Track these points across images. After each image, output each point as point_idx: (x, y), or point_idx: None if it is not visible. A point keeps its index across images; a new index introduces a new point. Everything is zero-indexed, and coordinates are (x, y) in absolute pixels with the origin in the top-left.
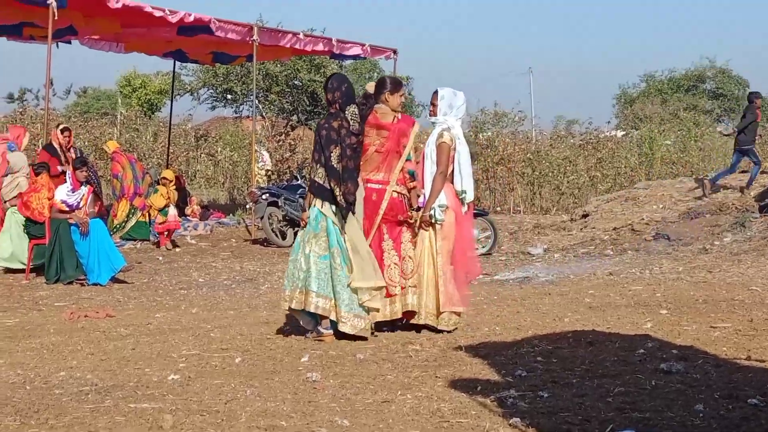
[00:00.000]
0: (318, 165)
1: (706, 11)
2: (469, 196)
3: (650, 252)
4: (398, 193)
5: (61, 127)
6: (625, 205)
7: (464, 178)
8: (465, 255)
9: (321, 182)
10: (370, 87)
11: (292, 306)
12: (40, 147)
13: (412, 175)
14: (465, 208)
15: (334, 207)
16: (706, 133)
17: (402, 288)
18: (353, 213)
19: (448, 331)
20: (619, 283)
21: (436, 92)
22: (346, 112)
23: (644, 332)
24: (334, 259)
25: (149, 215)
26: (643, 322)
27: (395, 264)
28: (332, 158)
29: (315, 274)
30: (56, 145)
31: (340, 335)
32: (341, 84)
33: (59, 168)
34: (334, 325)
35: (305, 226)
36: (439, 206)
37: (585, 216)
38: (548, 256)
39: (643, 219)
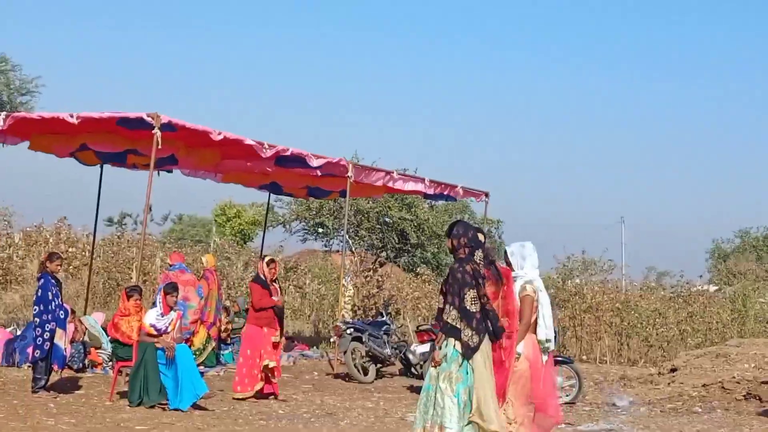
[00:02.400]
0: (451, 307)
1: None
2: (552, 345)
3: (740, 412)
4: None
5: (267, 259)
6: (716, 361)
7: (548, 328)
8: (547, 401)
9: (453, 324)
10: (481, 236)
11: None
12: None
13: None
14: (545, 357)
15: (461, 347)
16: None
17: None
18: (481, 353)
19: None
20: None
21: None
22: (475, 256)
23: None
24: (467, 397)
25: (219, 344)
26: None
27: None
28: (466, 300)
29: (449, 410)
30: (262, 276)
31: None
32: (467, 230)
33: (274, 298)
34: None
35: (437, 366)
36: (515, 354)
37: (673, 370)
38: (634, 410)
39: (734, 377)
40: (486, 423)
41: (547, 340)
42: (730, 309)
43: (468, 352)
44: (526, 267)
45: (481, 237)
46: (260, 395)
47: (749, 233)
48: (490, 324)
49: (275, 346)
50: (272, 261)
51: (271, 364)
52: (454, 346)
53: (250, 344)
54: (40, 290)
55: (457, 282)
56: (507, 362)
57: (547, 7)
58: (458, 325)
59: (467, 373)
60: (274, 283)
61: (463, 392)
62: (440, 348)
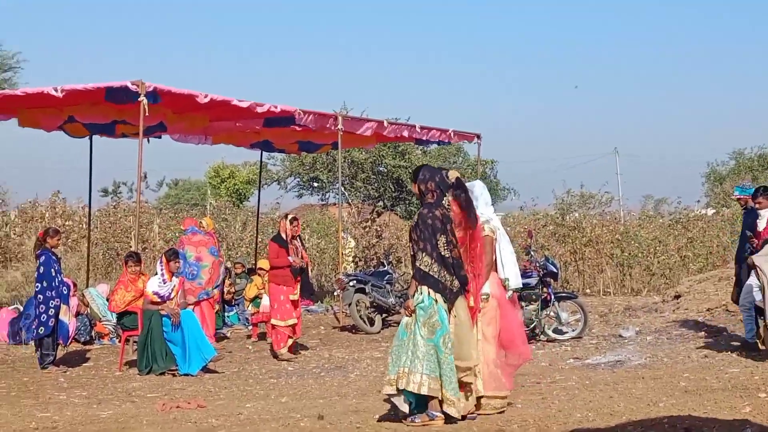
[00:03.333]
0: (423, 253)
1: None
2: (513, 283)
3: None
4: None
5: (290, 217)
6: (719, 284)
7: (506, 266)
8: (514, 339)
9: (426, 270)
10: (453, 174)
11: (400, 386)
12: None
13: None
14: (509, 294)
15: (439, 294)
16: None
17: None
18: (461, 298)
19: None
20: (714, 366)
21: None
22: (444, 201)
23: (743, 417)
24: (444, 343)
25: (223, 306)
26: (742, 407)
27: None
28: (440, 246)
29: (423, 356)
30: (283, 235)
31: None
32: (434, 174)
33: (289, 258)
34: None
35: (410, 314)
36: (482, 294)
37: (677, 297)
38: (640, 339)
39: None
40: (463, 361)
41: (506, 279)
42: (729, 231)
43: (451, 297)
44: (480, 206)
45: (453, 176)
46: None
47: (743, 154)
48: (456, 270)
49: (294, 304)
50: (295, 219)
51: (291, 322)
52: (429, 293)
53: (274, 301)
54: (42, 267)
55: (429, 228)
56: (475, 305)
57: None
58: (431, 272)
59: (444, 319)
60: (294, 241)
61: (441, 339)
62: (413, 296)
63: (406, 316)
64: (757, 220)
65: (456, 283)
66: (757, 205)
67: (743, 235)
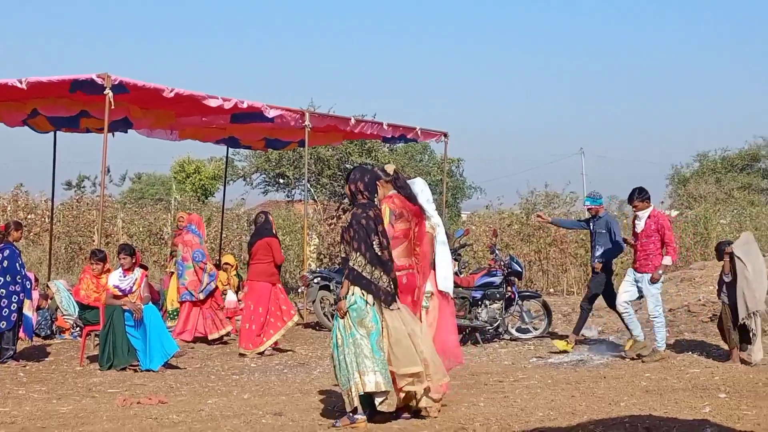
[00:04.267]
0: (357, 254)
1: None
2: (442, 285)
3: (707, 334)
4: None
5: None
6: (681, 285)
7: (439, 266)
8: (447, 342)
9: (360, 271)
10: (390, 168)
11: (361, 392)
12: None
13: None
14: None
15: (371, 296)
16: (761, 212)
17: None
18: (395, 300)
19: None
20: (675, 366)
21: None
22: (375, 200)
23: (703, 417)
24: (379, 346)
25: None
26: (702, 407)
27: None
28: (374, 246)
29: (369, 353)
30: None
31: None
32: (364, 174)
33: None
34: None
35: (343, 316)
36: (426, 293)
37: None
38: (603, 339)
39: (699, 300)
40: (397, 367)
41: (446, 278)
42: (692, 233)
43: (388, 299)
44: (421, 203)
45: (390, 170)
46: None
47: (707, 156)
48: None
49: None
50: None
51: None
52: (361, 294)
53: (260, 301)
54: (6, 261)
55: (363, 228)
56: (418, 303)
57: None
58: (365, 273)
59: (377, 321)
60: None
61: (377, 340)
62: (345, 297)
63: (340, 317)
64: (635, 222)
65: (392, 284)
66: (634, 208)
67: (595, 242)
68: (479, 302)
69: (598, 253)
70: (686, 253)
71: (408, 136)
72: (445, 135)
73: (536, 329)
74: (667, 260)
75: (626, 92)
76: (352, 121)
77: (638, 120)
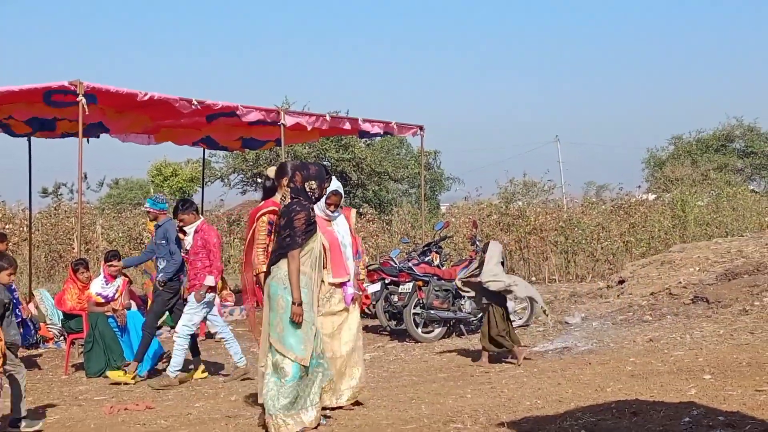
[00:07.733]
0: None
1: (732, 70)
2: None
3: (690, 316)
4: None
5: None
6: (662, 269)
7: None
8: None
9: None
10: (272, 171)
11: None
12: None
13: None
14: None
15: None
16: (738, 192)
17: None
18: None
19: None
20: (660, 350)
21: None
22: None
23: (689, 399)
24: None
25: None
26: (687, 389)
27: None
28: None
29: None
30: None
31: None
32: (284, 171)
33: None
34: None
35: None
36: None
37: (621, 282)
38: (586, 325)
39: (680, 282)
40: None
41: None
42: (670, 216)
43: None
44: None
45: (271, 174)
46: None
47: (682, 139)
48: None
49: None
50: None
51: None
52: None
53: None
54: None
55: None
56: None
57: None
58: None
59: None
60: None
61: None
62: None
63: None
64: (185, 238)
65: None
66: (180, 223)
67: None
68: (462, 294)
69: (161, 267)
70: (665, 237)
71: (384, 131)
72: (421, 128)
73: (520, 318)
74: (209, 280)
75: (599, 78)
76: (327, 117)
77: (612, 105)
